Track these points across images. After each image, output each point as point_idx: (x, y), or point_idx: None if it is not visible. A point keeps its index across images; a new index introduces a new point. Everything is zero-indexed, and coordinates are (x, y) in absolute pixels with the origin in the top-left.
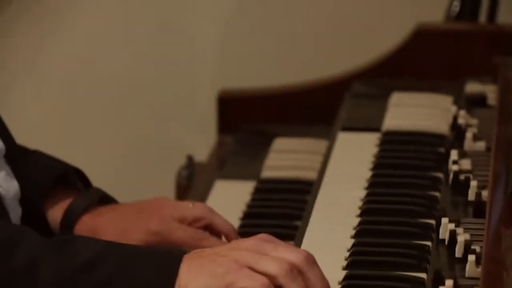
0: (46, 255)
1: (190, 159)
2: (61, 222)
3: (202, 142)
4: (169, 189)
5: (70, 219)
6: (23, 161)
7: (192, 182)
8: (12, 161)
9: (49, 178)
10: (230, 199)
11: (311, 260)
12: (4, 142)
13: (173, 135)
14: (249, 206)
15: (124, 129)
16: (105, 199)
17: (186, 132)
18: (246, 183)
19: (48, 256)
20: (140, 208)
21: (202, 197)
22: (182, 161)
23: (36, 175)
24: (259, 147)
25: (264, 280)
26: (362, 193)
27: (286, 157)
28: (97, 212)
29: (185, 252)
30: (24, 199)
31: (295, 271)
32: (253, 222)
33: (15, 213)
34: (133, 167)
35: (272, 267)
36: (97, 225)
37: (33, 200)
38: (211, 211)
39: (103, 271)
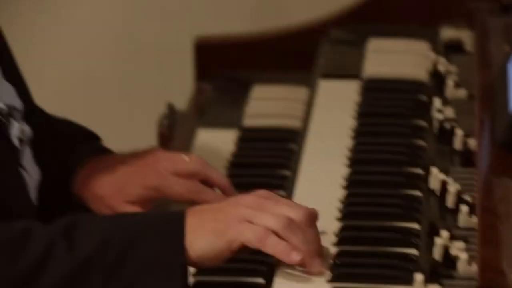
0: (53, 253)
1: (171, 107)
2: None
3: (179, 90)
4: (150, 136)
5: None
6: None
7: (173, 131)
8: (32, 124)
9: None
10: (214, 148)
11: (311, 219)
12: (23, 101)
13: (151, 82)
14: (234, 155)
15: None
16: (101, 151)
17: (164, 79)
18: (228, 132)
19: (56, 253)
20: (136, 162)
21: (186, 147)
22: (160, 108)
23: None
24: (238, 95)
25: (262, 229)
26: (349, 142)
27: (267, 105)
28: (93, 166)
29: (184, 213)
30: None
31: (294, 225)
32: (240, 171)
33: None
34: (115, 115)
35: (271, 222)
36: (93, 181)
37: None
38: (207, 164)
39: (111, 257)
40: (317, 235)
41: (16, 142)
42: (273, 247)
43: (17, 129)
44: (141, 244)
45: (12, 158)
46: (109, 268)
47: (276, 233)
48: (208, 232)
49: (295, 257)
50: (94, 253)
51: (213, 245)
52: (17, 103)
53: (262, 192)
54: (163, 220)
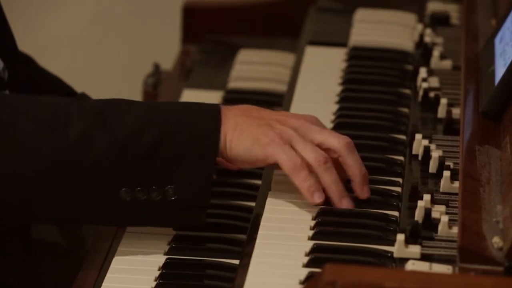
0: (93, 130)
1: (157, 67)
2: None
3: (166, 51)
4: (136, 96)
5: None
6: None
7: (158, 90)
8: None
9: None
10: None
11: (350, 146)
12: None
13: (139, 42)
14: None
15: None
16: None
17: (152, 40)
18: (213, 93)
19: (96, 131)
20: None
21: None
22: (147, 68)
23: None
24: (224, 58)
25: (298, 160)
26: (334, 107)
27: (252, 69)
28: None
29: (219, 109)
30: None
31: (330, 164)
32: None
33: None
34: (102, 73)
35: (309, 155)
36: None
37: None
38: None
39: (145, 142)
40: (360, 160)
41: None
42: (301, 181)
43: None
44: (176, 133)
45: None
46: (142, 154)
47: (310, 167)
48: (250, 138)
49: (317, 199)
50: (129, 137)
51: (251, 152)
52: None
53: (310, 117)
54: (199, 112)
